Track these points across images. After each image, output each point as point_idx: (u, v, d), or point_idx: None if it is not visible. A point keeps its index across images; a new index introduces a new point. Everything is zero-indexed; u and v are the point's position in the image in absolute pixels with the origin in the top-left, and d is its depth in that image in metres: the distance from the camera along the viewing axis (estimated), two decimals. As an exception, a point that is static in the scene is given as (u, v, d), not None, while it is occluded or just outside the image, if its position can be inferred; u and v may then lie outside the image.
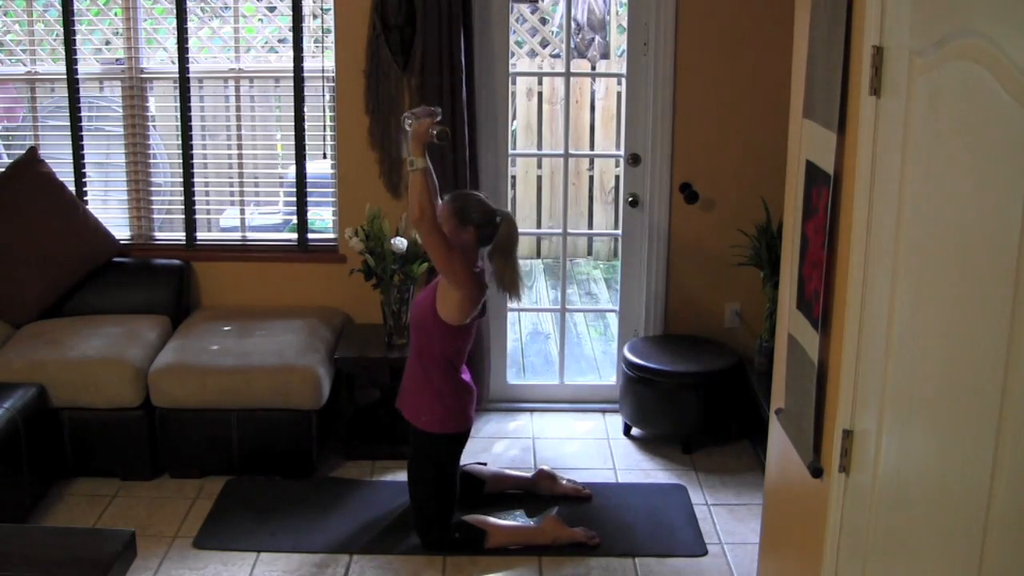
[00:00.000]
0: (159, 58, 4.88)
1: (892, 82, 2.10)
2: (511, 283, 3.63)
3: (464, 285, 3.54)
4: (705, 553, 3.80)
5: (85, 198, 4.84)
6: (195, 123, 4.83)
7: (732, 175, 4.66)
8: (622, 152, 4.83)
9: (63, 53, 4.71)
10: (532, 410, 4.95)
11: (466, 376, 3.78)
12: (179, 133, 4.80)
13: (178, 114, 4.78)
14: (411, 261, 4.33)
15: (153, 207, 4.94)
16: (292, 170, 4.84)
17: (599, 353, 5.82)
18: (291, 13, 4.62)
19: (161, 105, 5.00)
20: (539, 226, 7.43)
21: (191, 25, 4.72)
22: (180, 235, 4.92)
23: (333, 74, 4.65)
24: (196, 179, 4.86)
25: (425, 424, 3.69)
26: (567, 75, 4.82)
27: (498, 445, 4.61)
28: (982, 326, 1.65)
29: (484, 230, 3.60)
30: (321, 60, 4.66)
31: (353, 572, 3.66)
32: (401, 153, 4.62)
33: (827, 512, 2.41)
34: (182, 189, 4.84)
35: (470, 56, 4.46)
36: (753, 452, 4.51)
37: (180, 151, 4.80)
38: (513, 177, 6.85)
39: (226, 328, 4.50)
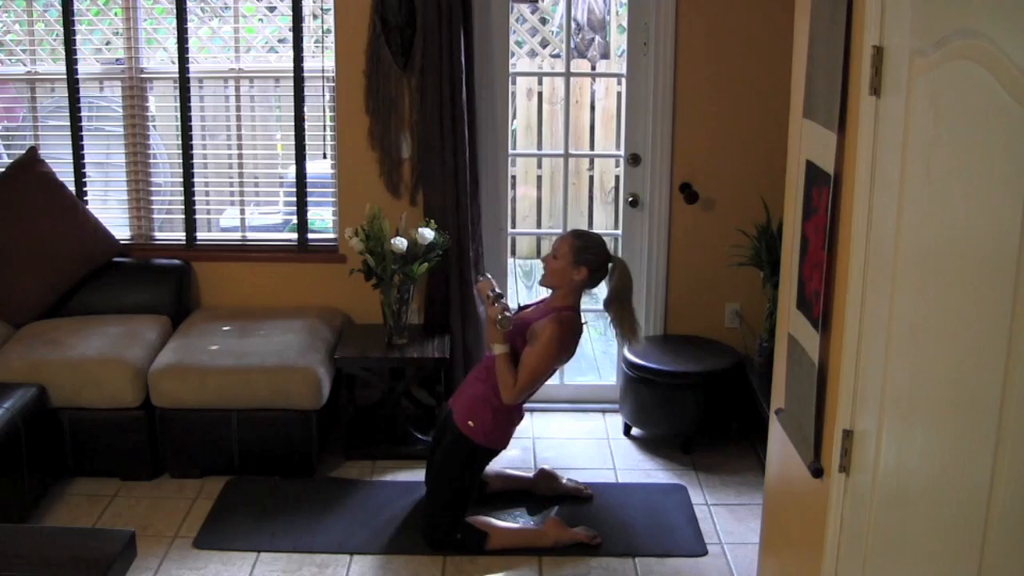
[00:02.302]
0: (159, 58, 4.88)
1: (892, 82, 2.10)
2: (630, 330, 3.79)
3: (562, 357, 3.77)
4: (705, 553, 3.79)
5: (85, 198, 4.84)
6: (195, 123, 4.83)
7: (732, 175, 4.66)
8: (622, 152, 4.83)
9: (63, 53, 4.71)
10: (532, 410, 4.94)
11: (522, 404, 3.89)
12: (179, 133, 4.80)
13: (178, 114, 4.78)
14: (411, 261, 4.33)
15: (153, 207, 4.94)
16: (292, 170, 4.84)
17: (599, 353, 5.82)
18: (291, 13, 4.62)
19: (161, 105, 5.00)
20: (539, 226, 7.42)
21: (191, 25, 4.72)
22: (180, 235, 4.92)
23: (333, 74, 4.65)
24: (196, 179, 4.86)
25: (470, 431, 3.73)
26: (567, 75, 4.82)
27: (498, 445, 4.61)
28: (982, 326, 1.65)
29: (596, 273, 3.73)
30: (321, 60, 4.66)
31: (353, 572, 3.66)
32: (401, 153, 4.63)
33: (827, 512, 2.41)
34: (182, 189, 4.84)
35: (470, 56, 4.46)
36: (753, 452, 4.51)
37: (180, 151, 4.80)
38: (513, 177, 6.84)
39: (226, 328, 4.50)
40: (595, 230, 7.41)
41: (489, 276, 3.95)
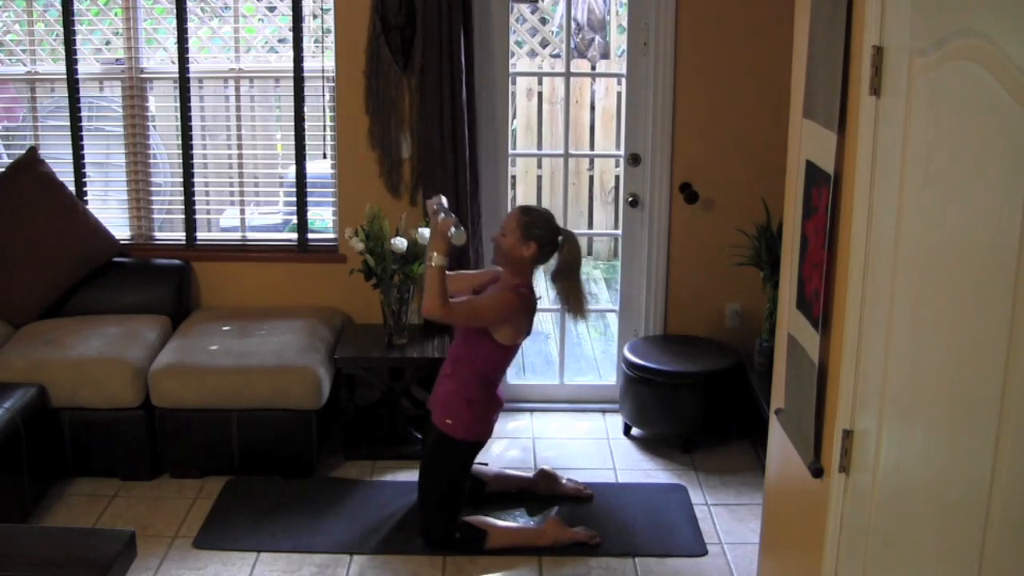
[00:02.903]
0: (159, 58, 4.88)
1: (892, 82, 2.10)
2: (576, 304, 3.73)
3: (507, 323, 3.64)
4: (705, 553, 3.80)
5: (85, 198, 4.84)
6: (195, 123, 4.83)
7: (732, 175, 4.66)
8: (622, 152, 4.83)
9: (63, 53, 4.71)
10: (532, 410, 4.95)
11: (499, 390, 3.84)
12: (179, 133, 4.80)
13: (178, 114, 4.78)
14: (411, 261, 4.34)
15: (153, 207, 4.94)
16: (292, 170, 4.84)
17: (599, 353, 5.82)
18: (291, 13, 4.62)
19: (161, 105, 5.00)
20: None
21: (191, 25, 4.72)
22: (180, 235, 4.92)
23: (333, 74, 4.65)
24: (196, 179, 4.86)
25: (449, 428, 3.72)
26: (567, 75, 4.82)
27: (498, 445, 4.61)
28: (982, 326, 1.65)
29: (546, 248, 3.67)
30: (321, 60, 4.66)
31: (353, 572, 3.66)
32: (401, 153, 4.62)
33: (827, 512, 2.41)
34: (182, 189, 4.84)
35: (470, 56, 4.46)
36: (753, 452, 4.51)
37: (180, 151, 4.80)
38: (513, 177, 6.84)
39: (226, 328, 4.50)
40: (595, 230, 7.47)
41: (442, 197, 3.79)
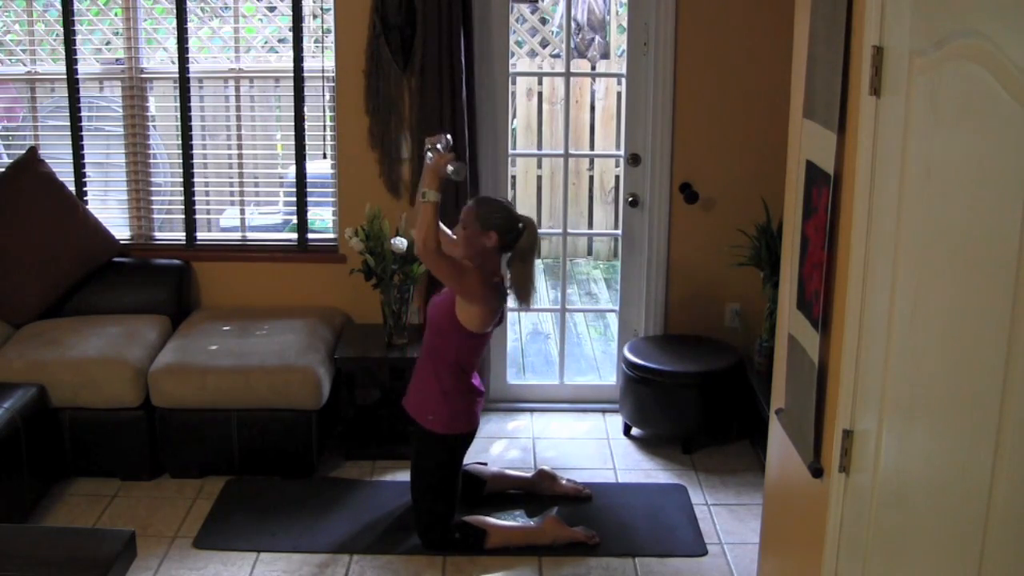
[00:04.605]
0: (159, 58, 4.88)
1: (892, 82, 2.10)
2: (523, 289, 3.68)
3: (481, 300, 3.57)
4: (705, 553, 3.80)
5: (85, 198, 4.84)
6: (195, 123, 4.83)
7: (732, 175, 4.66)
8: (622, 152, 4.83)
9: (63, 53, 4.71)
10: (532, 410, 4.95)
11: (475, 380, 3.79)
12: (179, 133, 4.80)
13: (178, 114, 4.78)
14: (411, 261, 4.34)
15: (153, 207, 4.94)
16: (292, 170, 4.84)
17: (599, 353, 5.82)
18: (291, 13, 4.62)
19: (161, 105, 5.00)
20: (539, 226, 7.41)
21: (191, 25, 4.72)
22: (180, 235, 4.92)
23: (333, 74, 4.65)
24: (196, 179, 4.86)
25: (430, 424, 3.69)
26: (567, 75, 4.82)
27: (498, 445, 4.61)
28: (982, 326, 1.65)
29: (506, 236, 3.63)
30: (321, 60, 4.66)
31: (353, 572, 3.66)
32: (401, 153, 4.63)
33: (827, 512, 2.41)
34: (182, 189, 4.84)
35: (470, 56, 4.46)
36: (753, 452, 4.52)
37: (180, 151, 4.80)
38: (513, 177, 6.85)
39: (226, 328, 4.50)
40: (595, 230, 7.47)
41: (447, 137, 3.65)
